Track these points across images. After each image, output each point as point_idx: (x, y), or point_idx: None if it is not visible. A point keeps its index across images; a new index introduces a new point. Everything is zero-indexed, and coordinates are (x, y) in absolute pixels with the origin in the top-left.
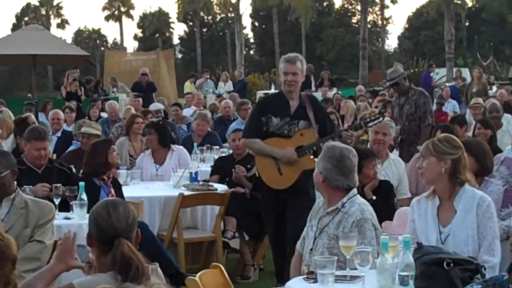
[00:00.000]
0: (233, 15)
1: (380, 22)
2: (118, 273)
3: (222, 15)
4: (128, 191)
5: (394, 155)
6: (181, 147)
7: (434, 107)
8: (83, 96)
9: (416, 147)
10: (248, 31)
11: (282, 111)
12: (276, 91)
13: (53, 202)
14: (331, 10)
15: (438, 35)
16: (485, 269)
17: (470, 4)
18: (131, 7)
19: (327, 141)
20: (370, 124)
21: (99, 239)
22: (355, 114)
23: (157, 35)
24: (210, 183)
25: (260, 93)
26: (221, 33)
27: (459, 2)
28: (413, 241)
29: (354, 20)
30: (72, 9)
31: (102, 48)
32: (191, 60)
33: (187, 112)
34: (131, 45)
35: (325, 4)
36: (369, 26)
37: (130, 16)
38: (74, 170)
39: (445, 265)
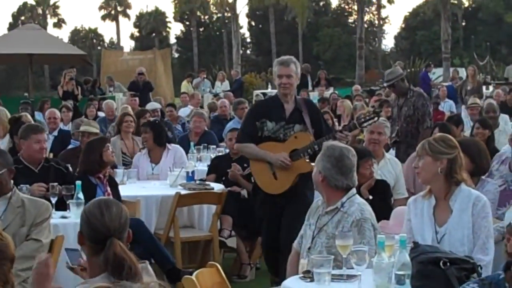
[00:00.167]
0: (229, 14)
1: (376, 21)
2: (111, 273)
3: (219, 15)
4: (125, 190)
5: (390, 154)
6: (177, 145)
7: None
8: (80, 96)
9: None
10: (245, 31)
11: (277, 115)
12: (273, 90)
13: (50, 201)
14: (328, 9)
15: (434, 35)
16: (481, 268)
17: (466, 4)
18: (128, 6)
19: (322, 143)
20: (365, 124)
21: (90, 238)
22: (351, 114)
23: (153, 34)
24: (207, 182)
25: (256, 93)
26: (217, 33)
27: (456, 2)
28: (409, 241)
29: (350, 19)
30: (69, 9)
31: (99, 48)
32: (188, 59)
33: (184, 111)
34: (127, 45)
35: (321, 3)
36: (365, 25)
37: (126, 16)
38: (70, 169)
39: (441, 264)
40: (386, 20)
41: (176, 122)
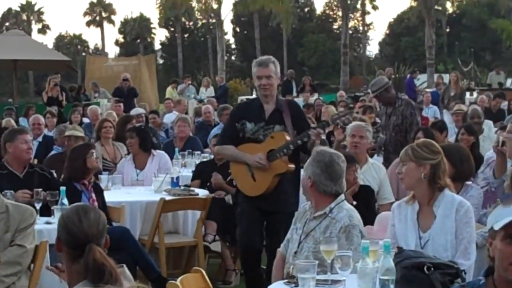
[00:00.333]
0: (214, 20)
1: (361, 28)
2: (91, 279)
3: (204, 21)
4: (109, 196)
5: (374, 160)
6: (162, 152)
7: None
8: (64, 101)
9: None
10: (230, 37)
11: (256, 116)
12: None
13: (34, 207)
14: (313, 16)
15: (419, 41)
16: (465, 273)
17: (450, 10)
18: (113, 12)
19: (297, 142)
20: (338, 120)
21: (69, 244)
22: None
23: (138, 40)
24: (192, 188)
25: (241, 98)
26: (202, 39)
27: (440, 8)
28: (393, 246)
29: (335, 26)
30: (53, 15)
31: (84, 54)
32: (173, 65)
33: (169, 117)
34: (112, 51)
35: (306, 10)
36: (350, 32)
37: (111, 22)
38: (55, 175)
39: (425, 269)
40: (371, 26)
41: (160, 129)
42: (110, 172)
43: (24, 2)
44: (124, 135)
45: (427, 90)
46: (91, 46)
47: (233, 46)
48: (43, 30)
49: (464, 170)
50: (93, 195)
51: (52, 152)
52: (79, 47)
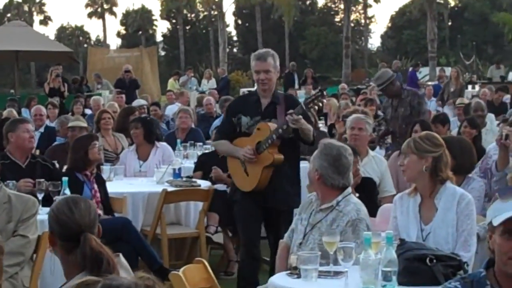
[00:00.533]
0: (216, 13)
1: (363, 21)
2: (90, 269)
3: (205, 13)
4: (112, 187)
5: (376, 153)
6: (166, 144)
7: None
8: (66, 93)
9: None
10: (231, 29)
11: (252, 109)
12: None
13: (37, 197)
14: (315, 8)
15: (421, 34)
16: (467, 265)
17: (452, 3)
18: (114, 4)
19: (278, 131)
20: (311, 104)
21: (62, 236)
22: (337, 112)
23: (140, 32)
24: (194, 179)
25: (243, 91)
26: (204, 31)
27: (442, 1)
28: (395, 238)
29: (337, 18)
30: (55, 6)
31: (85, 45)
32: (174, 57)
33: (171, 109)
34: (114, 42)
35: (308, 2)
36: (352, 24)
37: (113, 13)
38: (57, 165)
39: (427, 261)
40: (373, 19)
41: (161, 121)
42: (113, 162)
43: None
44: (126, 127)
45: (429, 83)
46: (93, 37)
47: (235, 38)
48: (45, 21)
49: (464, 163)
50: (95, 186)
51: (55, 143)
52: (80, 38)
